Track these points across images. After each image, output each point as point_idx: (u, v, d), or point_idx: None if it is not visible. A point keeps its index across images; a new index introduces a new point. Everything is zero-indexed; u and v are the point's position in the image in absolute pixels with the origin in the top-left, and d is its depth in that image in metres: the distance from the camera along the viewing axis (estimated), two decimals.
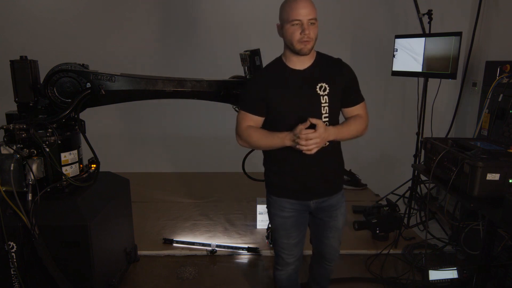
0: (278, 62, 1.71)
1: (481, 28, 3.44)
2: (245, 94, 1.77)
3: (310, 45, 1.58)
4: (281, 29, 1.63)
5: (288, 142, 1.58)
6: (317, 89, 1.63)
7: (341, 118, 1.79)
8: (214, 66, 4.21)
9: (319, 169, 1.71)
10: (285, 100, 1.64)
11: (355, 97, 1.73)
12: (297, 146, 1.54)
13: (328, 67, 1.67)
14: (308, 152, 1.54)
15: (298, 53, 1.60)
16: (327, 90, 1.63)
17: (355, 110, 1.73)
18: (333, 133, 1.60)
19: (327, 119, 1.65)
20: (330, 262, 1.97)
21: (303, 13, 1.52)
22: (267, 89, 1.65)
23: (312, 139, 1.50)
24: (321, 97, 1.63)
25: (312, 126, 1.55)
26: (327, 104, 1.63)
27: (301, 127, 1.53)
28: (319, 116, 1.63)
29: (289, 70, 1.66)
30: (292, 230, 1.82)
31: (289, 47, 1.62)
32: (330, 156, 1.73)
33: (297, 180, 1.73)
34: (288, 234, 1.82)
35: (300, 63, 1.66)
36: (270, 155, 1.77)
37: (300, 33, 1.55)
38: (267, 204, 1.88)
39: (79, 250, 1.94)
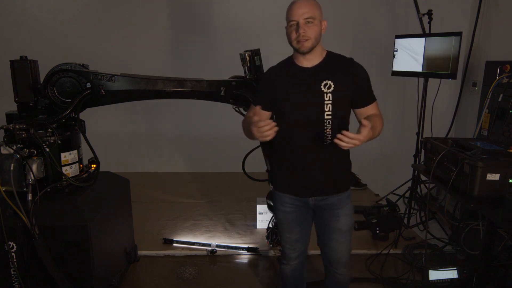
0: (288, 60, 1.76)
1: (481, 28, 3.44)
2: (257, 89, 1.85)
3: (309, 43, 1.61)
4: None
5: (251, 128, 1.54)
6: (322, 87, 1.64)
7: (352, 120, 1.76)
8: (214, 66, 4.22)
9: (321, 167, 1.73)
10: (289, 96, 1.69)
11: (367, 98, 1.72)
12: (335, 140, 1.48)
13: (337, 66, 1.69)
14: (344, 147, 1.50)
15: (298, 51, 1.66)
16: (332, 88, 1.64)
17: (369, 110, 1.73)
18: (368, 135, 1.54)
19: (330, 116, 1.66)
20: (337, 268, 1.86)
21: (297, 13, 1.59)
22: (274, 85, 1.73)
23: (354, 139, 1.46)
24: (325, 95, 1.64)
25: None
26: (330, 102, 1.64)
27: (256, 118, 1.55)
28: (321, 113, 1.65)
29: (296, 67, 1.71)
30: (293, 225, 1.85)
31: (292, 47, 1.68)
32: (333, 156, 1.72)
33: (298, 176, 1.76)
34: (290, 229, 1.86)
35: (307, 62, 1.69)
36: (276, 150, 1.83)
37: (296, 32, 1.61)
38: (272, 198, 1.92)
39: (79, 250, 1.94)
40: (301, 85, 1.68)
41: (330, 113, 1.65)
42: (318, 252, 1.95)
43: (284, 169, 1.80)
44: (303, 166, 1.73)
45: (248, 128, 1.62)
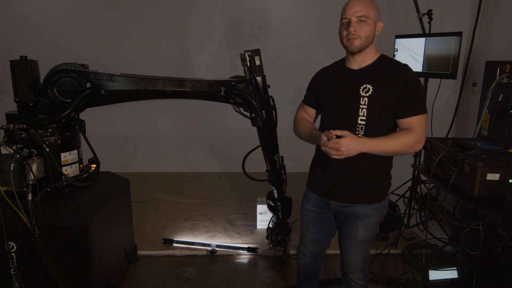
0: (339, 61, 1.76)
1: (481, 28, 3.44)
2: (307, 87, 1.87)
3: (357, 42, 1.56)
4: None
5: (319, 143, 1.59)
6: (360, 90, 1.59)
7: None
8: (214, 66, 4.22)
9: (345, 172, 1.68)
10: (328, 96, 1.70)
11: (409, 108, 1.56)
12: (322, 148, 1.53)
13: (383, 70, 1.60)
14: (334, 157, 1.51)
15: (347, 50, 1.63)
16: (370, 92, 1.57)
17: (409, 122, 1.57)
18: (368, 145, 1.51)
19: (363, 122, 1.59)
20: (350, 273, 1.82)
21: (351, 11, 1.56)
22: (318, 84, 1.77)
23: (335, 148, 1.47)
24: (361, 98, 1.58)
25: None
26: (365, 107, 1.57)
27: (325, 135, 1.54)
28: (355, 117, 1.60)
29: (344, 68, 1.69)
30: (310, 225, 1.87)
31: (343, 45, 1.65)
32: (363, 164, 1.64)
33: (322, 176, 1.77)
34: (306, 228, 1.89)
35: (357, 63, 1.64)
36: (316, 149, 1.83)
37: (346, 30, 1.58)
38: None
39: (79, 250, 1.95)
40: (341, 86, 1.65)
41: (364, 118, 1.59)
42: (336, 252, 1.93)
43: (315, 167, 1.84)
44: (329, 167, 1.72)
45: (312, 138, 1.71)
